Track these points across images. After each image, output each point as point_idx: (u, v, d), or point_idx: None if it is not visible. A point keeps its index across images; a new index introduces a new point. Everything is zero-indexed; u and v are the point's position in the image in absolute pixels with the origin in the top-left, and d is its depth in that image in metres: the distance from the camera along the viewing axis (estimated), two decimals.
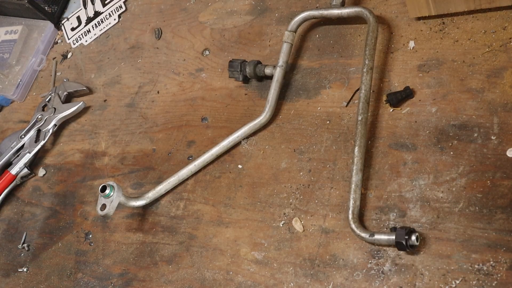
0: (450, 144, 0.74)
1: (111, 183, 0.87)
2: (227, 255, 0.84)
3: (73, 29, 1.29)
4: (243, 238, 0.84)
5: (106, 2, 1.26)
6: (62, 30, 1.31)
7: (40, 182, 1.13)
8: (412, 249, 0.69)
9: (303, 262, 0.78)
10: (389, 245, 0.72)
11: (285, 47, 0.91)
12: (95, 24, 1.25)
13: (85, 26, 1.27)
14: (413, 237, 0.68)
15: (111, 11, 1.24)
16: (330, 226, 0.78)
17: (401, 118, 0.80)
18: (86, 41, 1.25)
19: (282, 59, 0.90)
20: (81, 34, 1.27)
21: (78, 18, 1.29)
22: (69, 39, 1.29)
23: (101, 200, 0.87)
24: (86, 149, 1.11)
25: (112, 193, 0.86)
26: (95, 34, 1.25)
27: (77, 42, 1.27)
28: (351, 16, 0.88)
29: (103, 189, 0.86)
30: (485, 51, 0.78)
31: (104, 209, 0.86)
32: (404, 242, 0.68)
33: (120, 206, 0.89)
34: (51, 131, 1.14)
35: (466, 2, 0.78)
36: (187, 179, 0.93)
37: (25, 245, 1.06)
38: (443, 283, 0.67)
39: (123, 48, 1.18)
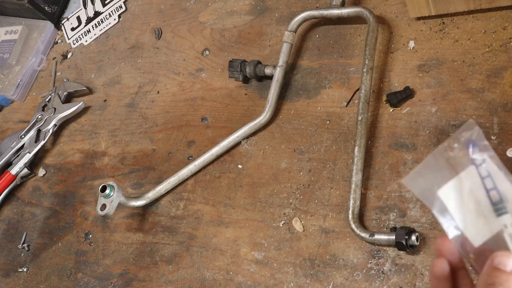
0: None
1: (111, 183, 0.87)
2: (227, 255, 0.84)
3: (73, 29, 1.29)
4: (243, 238, 0.84)
5: (106, 2, 1.26)
6: (62, 30, 1.31)
7: (40, 182, 1.13)
8: (412, 249, 0.69)
9: (303, 262, 0.78)
10: (389, 245, 0.72)
11: (285, 47, 0.91)
12: (95, 24, 1.25)
13: (85, 26, 1.27)
14: (413, 237, 0.68)
15: (111, 11, 1.24)
16: (330, 226, 0.78)
17: (401, 118, 0.80)
18: (86, 41, 1.25)
19: (282, 59, 0.90)
20: (81, 34, 1.27)
21: (78, 18, 1.29)
22: (69, 39, 1.29)
23: (101, 200, 0.87)
24: (86, 149, 1.11)
25: (112, 193, 0.86)
26: (95, 34, 1.25)
27: (77, 42, 1.27)
28: (351, 16, 0.88)
29: (103, 189, 0.86)
30: (485, 51, 0.78)
31: (104, 209, 0.86)
32: (404, 242, 0.68)
33: (120, 206, 0.89)
34: (51, 131, 1.13)
35: (466, 2, 0.78)
36: (187, 179, 0.93)
37: (25, 245, 1.06)
38: None
39: (123, 48, 1.18)
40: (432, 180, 0.45)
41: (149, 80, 1.10)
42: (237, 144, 0.92)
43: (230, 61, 0.97)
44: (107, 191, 0.86)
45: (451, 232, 0.45)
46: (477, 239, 0.44)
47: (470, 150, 0.45)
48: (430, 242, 0.70)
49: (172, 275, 0.87)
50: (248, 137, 0.91)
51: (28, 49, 1.31)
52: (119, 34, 1.21)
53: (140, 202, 0.91)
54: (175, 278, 0.87)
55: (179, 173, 0.92)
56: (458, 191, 0.45)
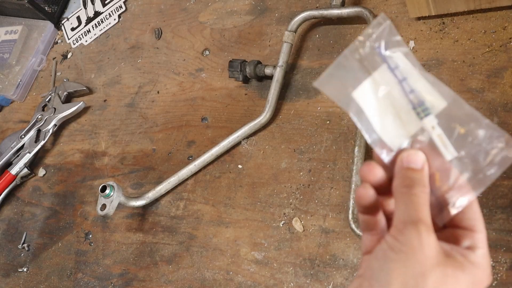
0: None
1: (111, 183, 0.87)
2: (227, 255, 0.84)
3: (73, 29, 1.29)
4: (243, 238, 0.84)
5: (106, 2, 1.26)
6: (62, 30, 1.31)
7: (40, 182, 1.13)
8: None
9: (303, 262, 0.78)
10: None
11: (285, 47, 0.91)
12: (95, 24, 1.25)
13: (85, 26, 1.27)
14: None
15: (111, 11, 1.24)
16: (330, 226, 0.78)
17: None
18: (86, 41, 1.25)
19: (282, 59, 0.90)
20: (81, 34, 1.27)
21: (78, 18, 1.29)
22: (69, 39, 1.29)
23: (101, 200, 0.87)
24: (86, 149, 1.11)
25: (112, 193, 0.86)
26: (95, 34, 1.25)
27: (77, 42, 1.27)
28: (351, 16, 0.88)
29: (103, 189, 0.86)
30: (485, 51, 0.78)
31: (104, 209, 0.86)
32: None
33: (120, 206, 0.89)
34: (51, 131, 1.14)
35: (466, 2, 0.78)
36: (187, 179, 0.93)
37: (25, 245, 1.06)
38: None
39: (123, 48, 1.18)
40: (346, 81, 0.42)
41: (149, 80, 1.10)
42: (237, 144, 0.92)
43: (230, 61, 0.97)
44: (107, 191, 0.86)
45: (370, 136, 0.42)
46: (394, 143, 0.42)
47: (382, 47, 0.41)
48: None
49: (172, 275, 0.87)
50: (248, 137, 0.91)
51: (28, 49, 1.31)
52: (119, 34, 1.21)
53: (140, 202, 0.91)
54: (175, 278, 0.87)
55: (179, 173, 0.92)
56: (373, 92, 0.42)
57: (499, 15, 0.78)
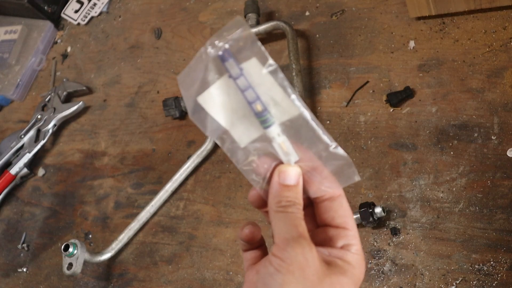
0: (450, 144, 0.74)
1: (73, 240, 0.86)
2: (227, 255, 0.84)
3: (76, 11, 1.28)
4: None
5: None
6: (64, 20, 1.30)
7: (39, 182, 1.13)
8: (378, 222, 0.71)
9: None
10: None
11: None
12: None
13: (89, 2, 1.27)
14: (378, 209, 0.72)
15: None
16: None
17: (401, 118, 0.80)
18: (96, 12, 1.25)
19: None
20: (88, 10, 1.27)
21: (79, 1, 1.29)
22: (75, 20, 1.28)
23: (66, 260, 0.85)
24: (86, 149, 1.10)
25: (75, 251, 0.85)
26: (102, 3, 1.25)
27: (86, 18, 1.26)
28: (270, 31, 0.93)
29: (66, 248, 0.85)
30: (485, 51, 0.78)
31: (71, 268, 0.85)
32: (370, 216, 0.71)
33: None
34: (50, 131, 1.13)
35: (467, 2, 0.78)
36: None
37: (24, 245, 1.06)
38: (443, 283, 0.67)
39: (123, 48, 1.18)
40: (194, 84, 0.42)
41: (149, 80, 1.10)
42: None
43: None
44: (70, 250, 0.84)
45: (215, 137, 0.43)
46: (243, 139, 0.42)
47: (227, 55, 0.40)
48: (430, 242, 0.70)
49: (172, 275, 0.87)
50: None
51: (28, 49, 1.30)
52: (119, 34, 1.21)
53: (105, 256, 0.90)
54: (175, 278, 0.87)
55: (138, 217, 0.92)
56: (221, 94, 0.41)
57: (499, 15, 0.78)
